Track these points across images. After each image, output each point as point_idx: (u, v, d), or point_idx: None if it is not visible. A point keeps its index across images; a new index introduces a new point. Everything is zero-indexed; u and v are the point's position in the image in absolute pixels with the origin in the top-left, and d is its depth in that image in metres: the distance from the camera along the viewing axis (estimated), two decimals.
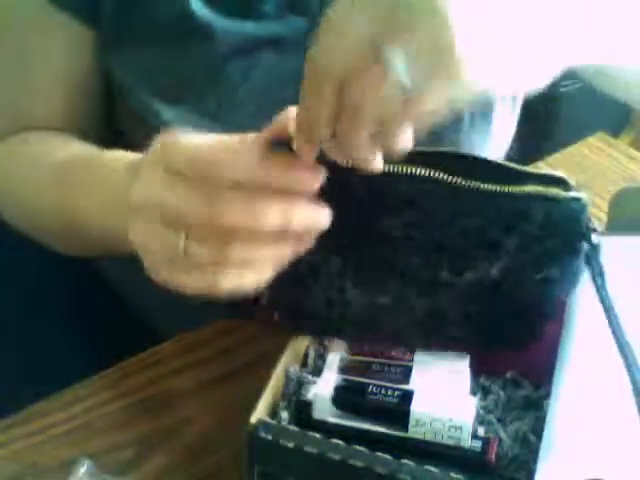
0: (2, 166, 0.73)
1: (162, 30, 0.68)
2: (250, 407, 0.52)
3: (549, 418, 0.51)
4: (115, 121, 0.77)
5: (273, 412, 0.53)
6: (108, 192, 0.59)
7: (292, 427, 0.51)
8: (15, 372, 0.79)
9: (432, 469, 0.48)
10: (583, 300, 0.58)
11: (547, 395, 0.53)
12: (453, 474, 0.48)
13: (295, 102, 0.63)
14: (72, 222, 0.65)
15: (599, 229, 0.64)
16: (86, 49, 0.71)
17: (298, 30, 0.69)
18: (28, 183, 0.71)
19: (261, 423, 0.51)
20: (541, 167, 0.90)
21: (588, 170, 0.89)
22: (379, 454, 0.49)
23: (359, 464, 0.49)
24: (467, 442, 0.51)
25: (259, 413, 0.51)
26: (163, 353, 0.67)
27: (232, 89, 0.69)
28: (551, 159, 0.93)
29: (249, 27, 0.68)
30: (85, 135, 0.73)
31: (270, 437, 0.50)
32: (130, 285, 0.87)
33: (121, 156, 0.61)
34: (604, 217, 0.66)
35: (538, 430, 0.51)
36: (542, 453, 0.49)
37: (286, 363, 0.55)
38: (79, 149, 0.69)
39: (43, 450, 0.60)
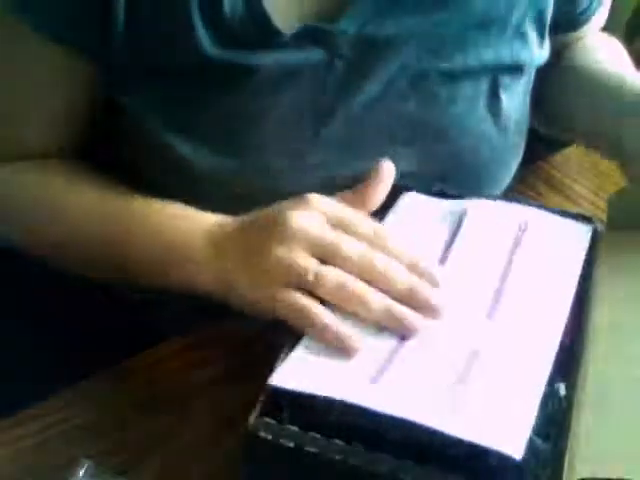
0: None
1: (177, 71, 0.67)
2: (250, 407, 0.52)
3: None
4: (120, 152, 0.76)
5: (273, 412, 0.53)
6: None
7: (292, 427, 0.51)
8: (15, 372, 0.79)
9: (432, 469, 0.48)
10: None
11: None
12: (453, 474, 0.48)
13: (312, 134, 0.67)
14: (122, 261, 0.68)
15: (599, 229, 0.64)
16: (87, 83, 0.71)
17: (315, 61, 0.68)
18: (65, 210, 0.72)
19: (261, 423, 0.51)
20: (542, 167, 0.90)
21: (588, 170, 0.89)
22: (379, 454, 0.49)
23: (359, 464, 0.49)
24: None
25: (259, 413, 0.51)
26: (163, 353, 0.67)
27: (254, 127, 0.68)
28: (551, 159, 0.93)
29: (269, 59, 0.67)
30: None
31: (270, 437, 0.50)
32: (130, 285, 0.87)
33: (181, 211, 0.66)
34: (604, 217, 0.66)
35: None
36: None
37: None
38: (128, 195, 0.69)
39: (43, 450, 0.60)
